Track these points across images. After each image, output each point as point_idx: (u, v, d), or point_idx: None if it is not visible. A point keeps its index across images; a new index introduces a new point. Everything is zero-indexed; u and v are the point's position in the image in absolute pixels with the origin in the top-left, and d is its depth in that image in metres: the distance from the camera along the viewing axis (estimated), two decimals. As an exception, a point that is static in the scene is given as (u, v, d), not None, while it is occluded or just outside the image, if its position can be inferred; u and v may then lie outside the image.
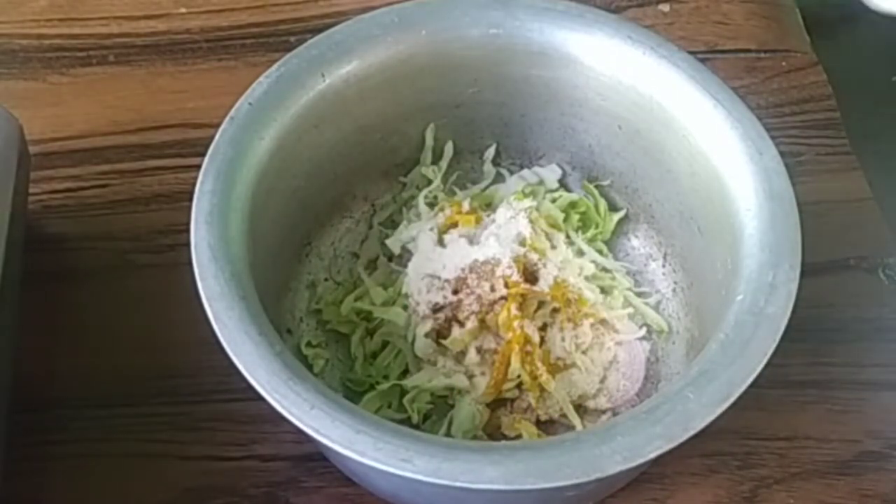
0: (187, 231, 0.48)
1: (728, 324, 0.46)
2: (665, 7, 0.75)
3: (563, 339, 0.55)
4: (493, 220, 0.57)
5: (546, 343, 0.55)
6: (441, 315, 0.55)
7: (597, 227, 0.60)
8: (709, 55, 0.71)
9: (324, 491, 0.55)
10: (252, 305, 0.47)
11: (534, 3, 0.56)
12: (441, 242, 0.58)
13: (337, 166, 0.57)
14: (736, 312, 0.46)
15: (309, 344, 0.57)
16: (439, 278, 0.55)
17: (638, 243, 0.60)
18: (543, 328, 0.55)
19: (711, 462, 0.56)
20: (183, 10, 0.74)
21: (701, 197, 0.53)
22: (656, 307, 0.58)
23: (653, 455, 0.43)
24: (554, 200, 0.60)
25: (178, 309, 0.54)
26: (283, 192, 0.54)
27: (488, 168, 0.62)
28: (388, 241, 0.60)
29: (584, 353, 0.55)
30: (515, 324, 0.53)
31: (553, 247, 0.57)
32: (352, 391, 0.56)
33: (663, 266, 0.59)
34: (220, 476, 0.55)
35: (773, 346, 0.45)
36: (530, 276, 0.55)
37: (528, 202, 0.58)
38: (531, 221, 0.57)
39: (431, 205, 0.60)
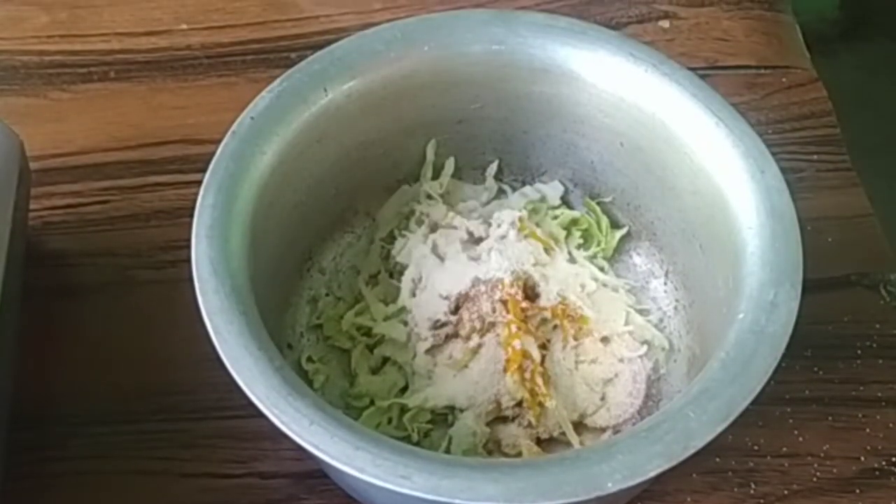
0: (188, 247, 0.48)
1: (729, 342, 0.46)
2: (665, 23, 0.75)
3: (563, 357, 0.55)
4: (494, 236, 0.57)
5: (547, 360, 0.55)
6: (442, 332, 0.55)
7: (599, 244, 0.60)
8: (709, 71, 0.71)
9: (324, 508, 0.55)
10: (252, 320, 0.46)
11: (536, 20, 0.56)
12: (441, 258, 0.58)
13: (339, 181, 0.58)
14: (737, 331, 0.46)
15: (309, 359, 0.57)
16: (440, 295, 0.55)
17: (640, 260, 0.60)
18: (544, 345, 0.55)
19: (713, 479, 0.56)
20: (184, 26, 0.74)
21: (703, 214, 0.53)
22: (658, 325, 0.58)
23: (653, 473, 0.43)
24: (556, 217, 0.60)
25: (178, 325, 0.54)
26: (284, 207, 0.54)
27: (490, 184, 0.62)
28: (393, 253, 0.59)
29: (584, 370, 0.55)
30: (516, 341, 0.53)
31: (554, 263, 0.57)
32: (352, 407, 0.56)
33: (665, 283, 0.59)
34: (220, 494, 0.55)
35: (774, 364, 0.45)
36: (531, 292, 0.55)
37: (525, 214, 0.58)
38: (531, 237, 0.57)
39: (433, 221, 0.60)
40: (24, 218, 0.58)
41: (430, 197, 0.61)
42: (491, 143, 0.61)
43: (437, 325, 0.55)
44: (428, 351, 0.55)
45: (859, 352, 0.60)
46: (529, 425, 0.54)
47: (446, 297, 0.56)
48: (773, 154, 0.52)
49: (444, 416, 0.55)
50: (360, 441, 0.43)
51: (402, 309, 0.57)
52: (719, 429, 0.44)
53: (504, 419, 0.54)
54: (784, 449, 0.57)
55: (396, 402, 0.55)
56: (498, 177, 0.62)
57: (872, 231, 0.65)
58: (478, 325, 0.54)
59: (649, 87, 0.54)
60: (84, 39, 0.73)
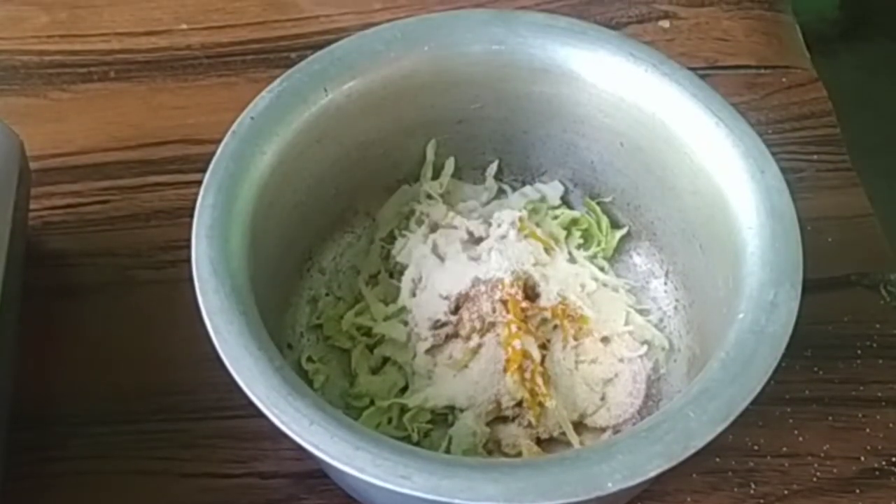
0: (188, 247, 0.48)
1: (729, 342, 0.46)
2: (665, 23, 0.75)
3: (564, 357, 0.55)
4: (494, 236, 0.57)
5: (547, 360, 0.55)
6: (442, 332, 0.55)
7: (599, 244, 0.60)
8: (709, 71, 0.71)
9: (324, 508, 0.55)
10: (252, 320, 0.46)
11: (536, 20, 0.56)
12: (441, 258, 0.58)
13: (339, 181, 0.58)
14: (737, 331, 0.46)
15: (309, 359, 0.57)
16: (440, 295, 0.55)
17: (640, 260, 0.60)
18: (544, 345, 0.55)
19: (713, 479, 0.56)
20: (184, 26, 0.74)
21: (703, 214, 0.53)
22: (658, 325, 0.58)
23: (652, 473, 0.43)
24: (556, 217, 0.60)
25: (178, 325, 0.54)
26: (284, 207, 0.54)
27: (490, 184, 0.62)
28: (393, 253, 0.59)
29: (584, 370, 0.55)
30: (516, 341, 0.53)
31: (554, 263, 0.57)
32: (352, 407, 0.56)
33: (665, 283, 0.59)
34: (220, 494, 0.55)
35: (774, 364, 0.45)
36: (531, 292, 0.55)
37: (525, 214, 0.58)
38: (531, 237, 0.57)
39: (433, 221, 0.60)
40: (24, 218, 0.58)
41: (430, 197, 0.61)
42: (491, 143, 0.61)
43: (437, 325, 0.55)
44: (428, 351, 0.55)
45: (859, 352, 0.60)
46: (529, 425, 0.54)
47: (446, 297, 0.55)
48: (773, 154, 0.52)
49: (444, 416, 0.55)
50: (360, 441, 0.43)
51: (402, 309, 0.57)
52: (719, 429, 0.44)
53: (504, 419, 0.54)
54: (784, 449, 0.57)
55: (396, 402, 0.55)
56: (498, 177, 0.62)
57: (872, 231, 0.65)
58: (478, 325, 0.54)
59: (649, 87, 0.54)
60: (84, 39, 0.73)
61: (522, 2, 0.75)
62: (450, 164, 0.61)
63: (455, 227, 0.59)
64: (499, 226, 0.58)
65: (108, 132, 0.68)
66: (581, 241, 0.60)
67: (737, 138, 0.52)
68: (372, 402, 0.56)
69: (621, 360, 0.56)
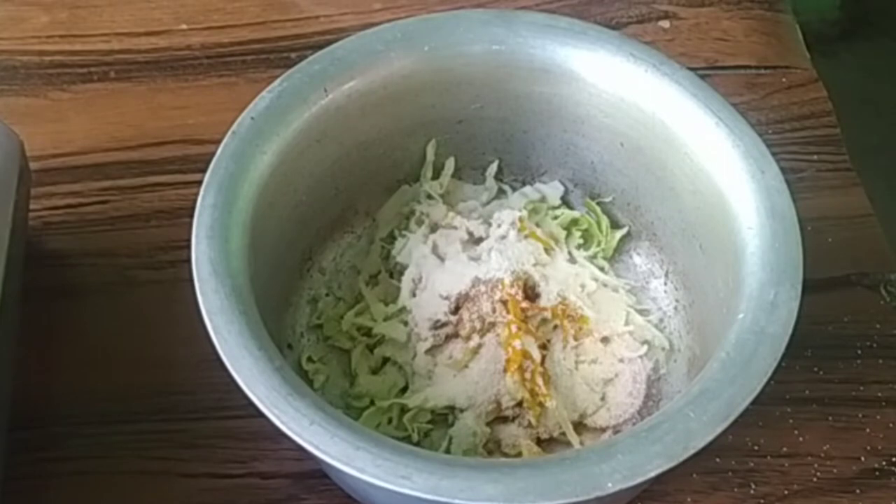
0: (188, 247, 0.48)
1: (729, 342, 0.46)
2: (665, 23, 0.75)
3: (564, 357, 0.55)
4: (494, 236, 0.57)
5: (547, 360, 0.55)
6: (442, 332, 0.55)
7: (599, 244, 0.60)
8: (709, 71, 0.71)
9: (324, 509, 0.55)
10: (252, 320, 0.47)
11: (536, 20, 0.56)
12: (442, 258, 0.58)
13: (339, 181, 0.58)
14: (737, 331, 0.46)
15: (309, 359, 0.57)
16: (440, 295, 0.55)
17: (640, 261, 0.60)
18: (544, 345, 0.55)
19: (713, 479, 0.56)
20: (184, 26, 0.74)
21: (703, 215, 0.53)
22: (658, 325, 0.58)
23: (653, 474, 0.43)
24: (556, 217, 0.60)
25: (177, 326, 0.54)
26: (284, 207, 0.54)
27: (490, 184, 0.62)
28: (393, 253, 0.59)
29: (585, 370, 0.55)
30: (516, 341, 0.53)
31: (554, 263, 0.57)
32: (352, 407, 0.56)
33: (665, 284, 0.59)
34: (220, 494, 0.55)
35: (774, 365, 0.45)
36: (531, 292, 0.55)
37: (525, 214, 0.58)
38: (531, 237, 0.57)
39: (433, 221, 0.60)
40: (24, 218, 0.58)
41: (430, 197, 0.61)
42: (491, 143, 0.61)
43: (437, 325, 0.55)
44: (428, 351, 0.55)
45: (859, 352, 0.60)
46: (529, 425, 0.54)
47: (446, 297, 0.55)
48: (773, 154, 0.52)
49: (444, 416, 0.55)
50: (360, 441, 0.43)
51: (403, 309, 0.57)
52: (719, 429, 0.44)
53: (504, 419, 0.54)
54: (784, 449, 0.57)
55: (396, 402, 0.55)
56: (498, 177, 0.62)
57: (872, 231, 0.65)
58: (478, 325, 0.54)
59: (649, 87, 0.54)
60: (84, 39, 0.73)
61: (522, 2, 0.76)
62: (450, 164, 0.61)
63: (455, 228, 0.59)
64: (499, 226, 0.58)
65: (108, 132, 0.68)
66: (581, 241, 0.60)
67: (737, 138, 0.52)
68: (372, 403, 0.56)
69: (621, 361, 0.56)
